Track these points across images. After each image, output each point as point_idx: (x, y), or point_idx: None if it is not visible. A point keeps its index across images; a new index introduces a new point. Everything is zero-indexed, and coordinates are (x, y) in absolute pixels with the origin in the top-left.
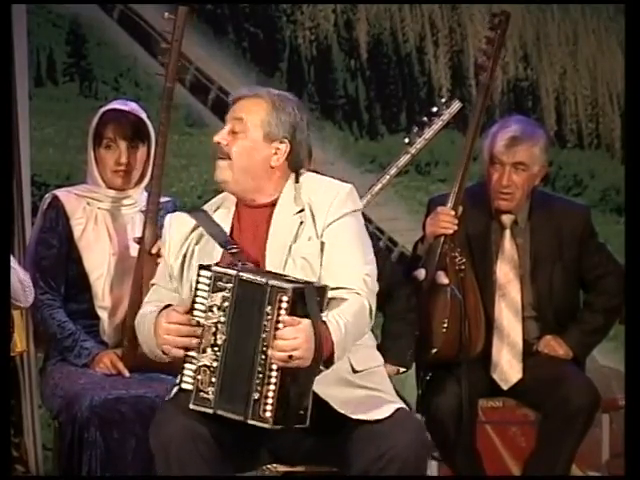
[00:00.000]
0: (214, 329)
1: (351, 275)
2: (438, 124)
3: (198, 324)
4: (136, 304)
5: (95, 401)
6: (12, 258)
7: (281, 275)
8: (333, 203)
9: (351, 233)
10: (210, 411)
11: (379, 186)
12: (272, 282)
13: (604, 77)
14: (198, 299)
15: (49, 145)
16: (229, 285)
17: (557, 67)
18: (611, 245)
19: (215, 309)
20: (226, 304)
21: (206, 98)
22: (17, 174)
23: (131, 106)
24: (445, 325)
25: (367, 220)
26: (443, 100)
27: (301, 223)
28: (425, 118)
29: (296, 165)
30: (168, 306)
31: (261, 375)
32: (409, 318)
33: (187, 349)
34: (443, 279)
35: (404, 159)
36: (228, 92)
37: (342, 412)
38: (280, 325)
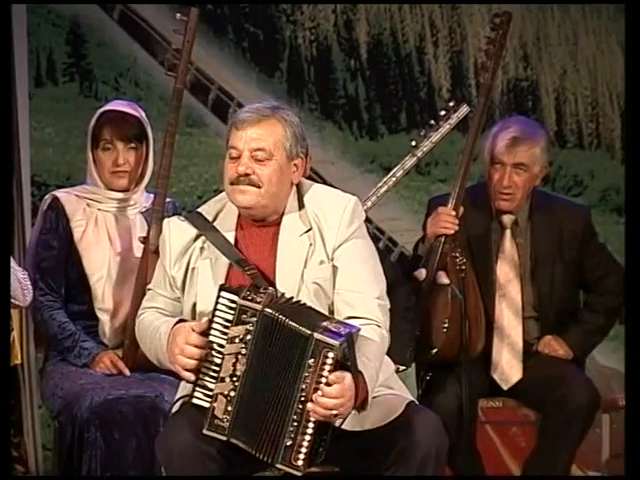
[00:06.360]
0: (234, 359)
1: (367, 303)
2: (445, 127)
3: (212, 346)
4: (139, 303)
5: (95, 401)
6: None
7: (307, 307)
8: (341, 223)
9: (362, 253)
10: (224, 438)
11: (385, 188)
12: (318, 336)
13: (604, 77)
14: (217, 320)
15: (49, 145)
16: (253, 319)
17: (557, 67)
18: (611, 245)
19: (237, 340)
20: (249, 337)
21: (206, 98)
22: (17, 174)
23: (129, 107)
24: (445, 325)
25: (367, 220)
26: (451, 104)
27: (310, 245)
28: (432, 121)
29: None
30: (181, 320)
31: (296, 424)
32: (408, 316)
33: (200, 370)
34: (444, 279)
35: (410, 161)
36: (228, 92)
37: (359, 430)
38: (323, 380)
